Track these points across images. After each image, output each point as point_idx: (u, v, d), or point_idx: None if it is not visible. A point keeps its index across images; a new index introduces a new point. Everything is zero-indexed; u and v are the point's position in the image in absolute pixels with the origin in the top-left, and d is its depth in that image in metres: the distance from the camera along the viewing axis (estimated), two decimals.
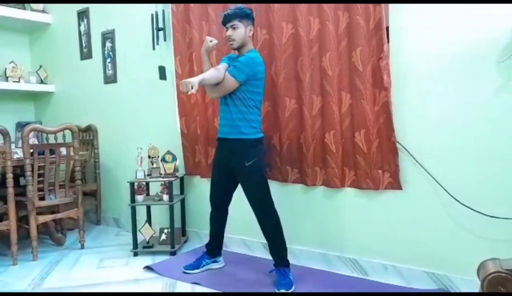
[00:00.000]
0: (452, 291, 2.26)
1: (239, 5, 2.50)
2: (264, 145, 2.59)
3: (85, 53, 4.11)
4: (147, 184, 3.35)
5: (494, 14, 2.07)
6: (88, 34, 4.05)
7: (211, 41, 2.54)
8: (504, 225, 2.08)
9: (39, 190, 3.06)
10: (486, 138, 2.13)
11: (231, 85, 2.40)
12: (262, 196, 2.49)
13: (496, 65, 2.07)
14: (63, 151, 3.21)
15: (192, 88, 2.19)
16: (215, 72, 2.41)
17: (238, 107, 2.45)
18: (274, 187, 2.68)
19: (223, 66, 2.48)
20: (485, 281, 1.63)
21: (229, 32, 2.46)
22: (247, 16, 2.46)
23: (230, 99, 2.46)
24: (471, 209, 2.17)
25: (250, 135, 2.46)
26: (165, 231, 3.21)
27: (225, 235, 2.82)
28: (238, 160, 2.46)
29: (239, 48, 2.50)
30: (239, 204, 2.74)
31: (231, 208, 2.74)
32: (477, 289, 1.77)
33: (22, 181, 3.26)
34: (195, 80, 2.23)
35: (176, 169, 3.22)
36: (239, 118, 2.45)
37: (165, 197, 3.11)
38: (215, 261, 2.78)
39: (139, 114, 3.70)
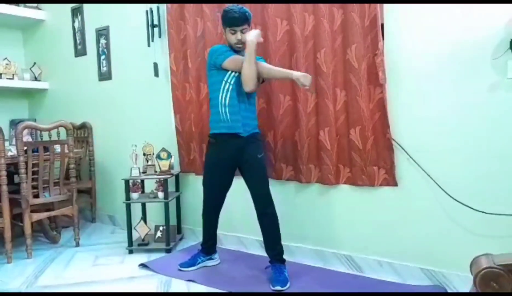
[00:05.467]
0: (446, 287, 2.27)
1: (240, 6, 2.44)
2: None
3: (80, 50, 4.09)
4: (142, 181, 3.34)
5: (489, 12, 2.07)
6: (82, 31, 4.03)
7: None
8: (498, 221, 2.10)
9: (34, 187, 3.05)
10: (481, 136, 2.14)
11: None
12: (266, 190, 2.51)
13: (491, 62, 2.08)
14: (58, 148, 3.19)
15: None
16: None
17: (252, 106, 2.55)
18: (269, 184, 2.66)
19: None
20: (477, 277, 1.64)
21: (239, 35, 2.43)
22: (251, 19, 2.50)
23: (250, 96, 2.51)
24: (466, 205, 2.18)
25: (258, 130, 2.58)
26: (160, 228, 3.20)
27: (221, 232, 2.82)
28: (251, 153, 2.48)
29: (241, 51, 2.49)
30: (235, 202, 2.75)
31: (227, 206, 2.73)
32: (470, 285, 1.78)
33: (16, 179, 3.25)
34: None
35: (171, 166, 3.21)
36: (254, 117, 2.56)
37: (160, 194, 3.10)
38: (211, 258, 2.78)
39: (134, 111, 3.69)
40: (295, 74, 2.31)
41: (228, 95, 2.47)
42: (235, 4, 2.47)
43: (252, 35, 2.37)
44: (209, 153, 2.63)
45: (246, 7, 2.48)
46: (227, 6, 2.48)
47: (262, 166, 2.52)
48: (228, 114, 2.46)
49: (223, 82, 2.46)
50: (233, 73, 2.45)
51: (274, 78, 2.62)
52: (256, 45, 2.36)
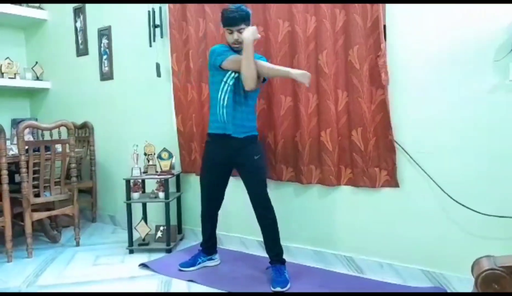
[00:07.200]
0: (447, 289, 2.27)
1: (239, 5, 2.43)
2: None
3: (81, 50, 4.09)
4: (143, 181, 3.34)
5: (491, 13, 2.07)
6: (84, 31, 4.03)
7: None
8: (499, 223, 2.09)
9: (34, 186, 3.05)
10: (482, 137, 2.14)
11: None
12: (264, 192, 2.50)
13: (492, 64, 2.08)
14: (59, 147, 3.19)
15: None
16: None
17: (250, 107, 2.51)
18: (269, 186, 2.66)
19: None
20: (479, 278, 1.63)
21: (236, 35, 2.40)
22: (250, 17, 2.44)
23: (248, 97, 2.47)
24: (467, 207, 2.18)
25: (255, 132, 2.54)
26: (161, 228, 3.20)
27: (221, 232, 2.82)
28: (247, 155, 2.47)
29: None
30: (235, 202, 2.74)
31: (227, 206, 2.73)
32: (472, 287, 1.78)
33: (17, 178, 3.25)
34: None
35: (172, 167, 3.21)
36: (250, 119, 2.51)
37: (161, 195, 3.10)
38: (211, 259, 2.78)
39: (135, 111, 3.69)
40: (293, 72, 2.28)
41: (226, 96, 2.47)
42: (237, 4, 2.45)
43: (249, 32, 2.34)
44: (205, 151, 2.65)
45: (248, 7, 2.47)
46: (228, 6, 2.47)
47: (259, 168, 2.50)
48: (224, 115, 2.47)
49: (222, 83, 2.46)
50: (233, 73, 2.44)
51: (274, 77, 2.62)
52: (254, 42, 2.33)
